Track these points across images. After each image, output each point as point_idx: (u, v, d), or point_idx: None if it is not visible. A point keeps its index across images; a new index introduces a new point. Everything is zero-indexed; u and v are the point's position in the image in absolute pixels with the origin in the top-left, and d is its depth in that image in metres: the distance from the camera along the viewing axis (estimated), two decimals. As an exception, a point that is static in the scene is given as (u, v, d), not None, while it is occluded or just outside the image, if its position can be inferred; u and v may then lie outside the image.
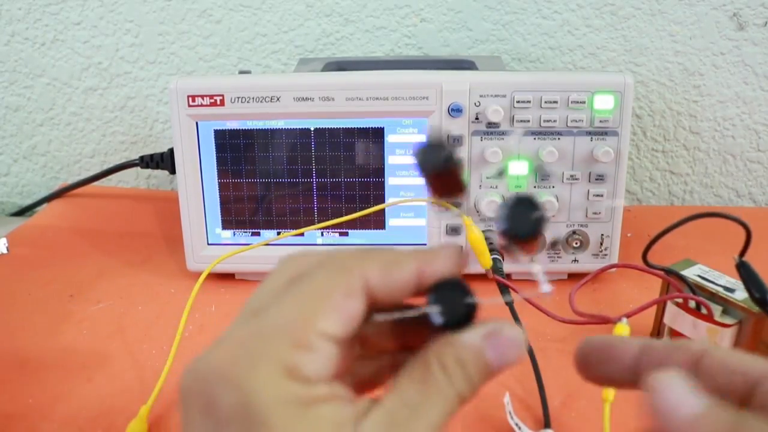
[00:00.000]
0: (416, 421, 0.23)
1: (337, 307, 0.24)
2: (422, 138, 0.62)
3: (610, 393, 0.47)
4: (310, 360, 0.23)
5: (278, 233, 0.65)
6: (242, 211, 0.65)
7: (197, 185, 0.63)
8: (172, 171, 0.65)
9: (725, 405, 0.23)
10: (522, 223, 0.27)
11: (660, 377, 0.23)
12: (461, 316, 0.26)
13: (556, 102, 0.59)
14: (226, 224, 0.65)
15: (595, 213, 0.62)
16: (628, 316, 0.50)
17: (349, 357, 0.27)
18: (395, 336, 0.29)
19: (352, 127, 0.62)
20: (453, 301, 0.26)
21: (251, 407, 0.22)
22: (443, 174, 0.28)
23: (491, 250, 0.60)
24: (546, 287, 0.27)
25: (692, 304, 0.51)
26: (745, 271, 0.48)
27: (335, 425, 0.23)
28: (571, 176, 0.61)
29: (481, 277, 0.64)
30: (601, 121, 0.60)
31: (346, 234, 0.65)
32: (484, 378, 0.25)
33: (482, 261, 0.59)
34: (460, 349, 0.25)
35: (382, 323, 0.27)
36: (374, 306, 0.26)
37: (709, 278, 0.52)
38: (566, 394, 0.50)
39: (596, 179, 0.61)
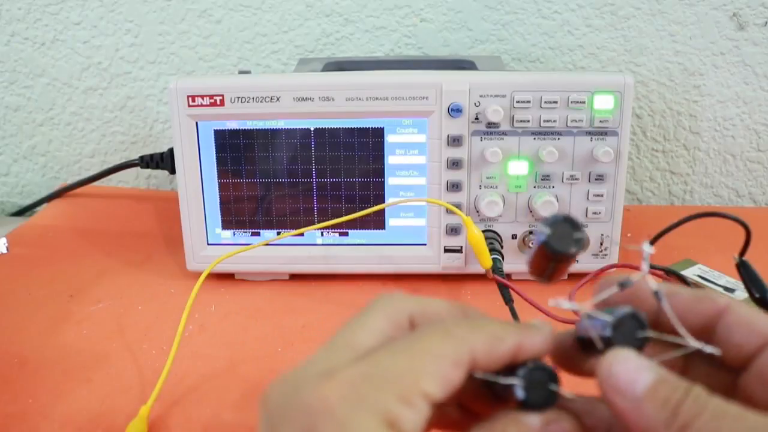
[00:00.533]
0: None
1: (444, 373, 0.25)
2: (422, 137, 0.62)
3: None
4: (409, 416, 0.24)
5: (278, 233, 0.65)
6: (242, 211, 0.65)
7: (197, 185, 0.63)
8: (172, 171, 0.65)
9: (675, 376, 0.24)
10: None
11: (608, 358, 0.25)
12: (542, 399, 0.26)
13: (556, 102, 0.59)
14: (226, 224, 0.65)
15: (595, 213, 0.62)
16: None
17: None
18: (471, 397, 0.30)
19: (352, 127, 0.62)
20: (540, 384, 0.26)
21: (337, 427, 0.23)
22: (564, 258, 0.27)
23: (491, 250, 0.60)
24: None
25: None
26: (745, 271, 0.48)
27: None
28: (571, 176, 0.61)
29: (481, 277, 0.65)
30: (601, 121, 0.60)
31: (346, 234, 0.65)
32: None
33: (482, 261, 0.60)
34: (523, 427, 0.26)
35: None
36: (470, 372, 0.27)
37: (709, 278, 0.52)
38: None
39: (596, 179, 0.61)
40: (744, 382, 0.26)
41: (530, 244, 0.26)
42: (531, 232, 0.63)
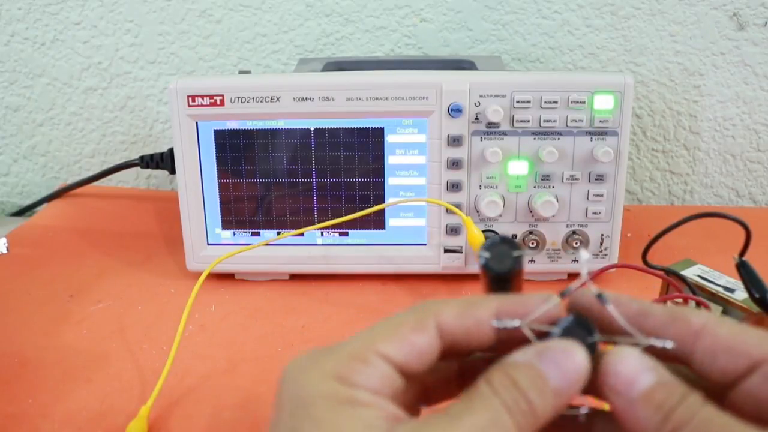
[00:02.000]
0: (452, 428, 0.23)
1: (403, 337, 0.26)
2: (422, 137, 0.62)
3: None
4: (361, 371, 0.25)
5: (278, 233, 0.65)
6: (242, 211, 0.65)
7: (197, 185, 0.63)
8: (172, 171, 0.65)
9: (675, 379, 0.24)
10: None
11: (611, 356, 0.25)
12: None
13: (556, 102, 0.59)
14: (226, 224, 0.65)
15: (595, 213, 0.62)
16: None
17: (418, 392, 0.28)
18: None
19: (352, 127, 0.62)
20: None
21: (299, 398, 0.25)
22: (509, 276, 0.28)
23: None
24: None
25: (692, 304, 0.50)
26: (745, 271, 0.48)
27: (367, 426, 0.24)
28: (571, 176, 0.61)
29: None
30: (601, 121, 0.60)
31: (346, 234, 0.65)
32: (549, 397, 0.24)
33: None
34: (509, 367, 0.25)
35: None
36: (457, 349, 0.27)
37: (709, 278, 0.52)
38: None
39: (596, 179, 0.61)
40: (732, 397, 0.26)
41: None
42: (531, 232, 0.63)
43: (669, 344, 0.26)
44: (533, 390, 0.24)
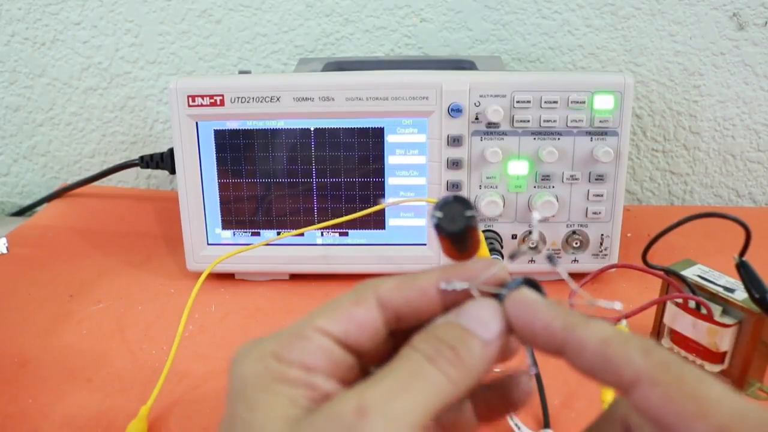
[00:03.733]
0: (372, 388, 0.23)
1: (342, 311, 0.26)
2: (422, 137, 0.62)
3: (608, 394, 0.47)
4: (297, 346, 0.25)
5: (278, 233, 0.65)
6: (242, 211, 0.65)
7: (197, 185, 0.63)
8: (172, 171, 0.65)
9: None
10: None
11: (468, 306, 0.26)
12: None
13: (556, 102, 0.59)
14: (226, 224, 0.65)
15: (595, 213, 0.62)
16: (627, 316, 0.50)
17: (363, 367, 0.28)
18: None
19: (352, 127, 0.62)
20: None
21: (237, 379, 0.25)
22: (462, 236, 0.28)
23: (491, 250, 0.60)
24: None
25: (692, 304, 0.51)
26: (744, 271, 0.48)
27: (290, 403, 0.24)
28: (571, 176, 0.61)
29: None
30: (601, 121, 0.60)
31: (346, 234, 0.65)
32: (474, 346, 0.25)
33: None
34: (430, 327, 0.26)
35: None
36: (405, 321, 0.27)
37: (709, 278, 0.52)
38: (566, 394, 0.50)
39: (596, 179, 0.61)
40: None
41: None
42: (531, 232, 0.63)
43: (619, 306, 0.26)
44: (455, 339, 0.25)
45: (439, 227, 0.27)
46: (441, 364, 0.24)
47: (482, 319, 0.25)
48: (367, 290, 0.27)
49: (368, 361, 0.27)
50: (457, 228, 0.27)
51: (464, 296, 0.27)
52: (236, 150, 0.63)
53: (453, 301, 0.27)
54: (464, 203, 0.27)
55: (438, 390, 0.24)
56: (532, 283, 0.27)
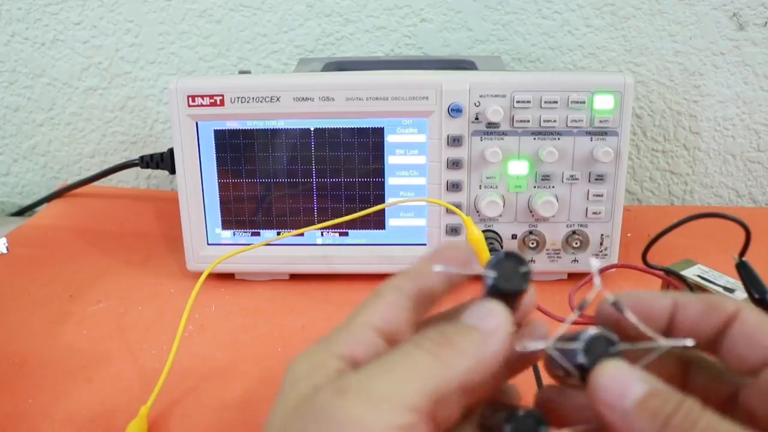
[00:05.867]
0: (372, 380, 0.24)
1: (370, 304, 0.28)
2: (422, 137, 0.62)
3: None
4: (344, 338, 0.27)
5: (278, 233, 0.65)
6: (242, 211, 0.65)
7: (197, 185, 0.63)
8: (172, 171, 0.65)
9: (668, 387, 0.24)
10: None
11: (597, 371, 0.25)
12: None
13: (556, 102, 0.59)
14: (226, 224, 0.65)
15: (595, 213, 0.62)
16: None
17: None
18: None
19: (352, 127, 0.62)
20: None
21: (288, 376, 0.26)
22: (519, 294, 0.27)
23: (491, 250, 0.60)
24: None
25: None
26: (744, 271, 0.48)
27: (318, 365, 0.26)
28: (571, 176, 0.61)
29: (482, 277, 0.65)
30: (601, 121, 0.60)
31: (346, 234, 0.65)
32: (476, 339, 0.25)
33: (482, 261, 0.60)
34: (439, 326, 0.26)
35: None
36: (423, 303, 0.29)
37: (709, 278, 0.52)
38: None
39: (596, 179, 0.61)
40: (745, 395, 0.25)
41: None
42: (531, 232, 0.63)
43: (690, 342, 0.25)
44: (456, 334, 0.25)
45: (496, 288, 0.27)
46: (429, 347, 0.25)
47: (479, 314, 0.26)
48: (381, 286, 0.29)
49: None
50: (516, 287, 0.26)
51: (459, 276, 0.29)
52: (236, 150, 0.63)
53: (451, 279, 0.29)
54: (518, 259, 0.27)
55: (427, 371, 0.24)
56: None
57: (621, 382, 0.24)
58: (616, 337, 0.26)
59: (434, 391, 0.24)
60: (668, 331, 0.27)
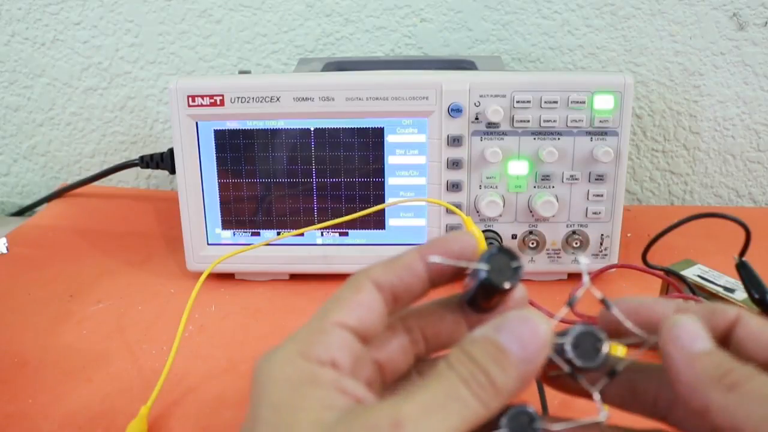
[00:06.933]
0: (405, 403, 0.23)
1: (348, 301, 0.27)
2: (422, 137, 0.62)
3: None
4: (320, 342, 0.26)
5: (278, 233, 0.65)
6: (242, 211, 0.65)
7: (197, 185, 0.63)
8: (172, 171, 0.65)
9: (728, 353, 0.25)
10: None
11: (680, 318, 0.26)
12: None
13: (556, 102, 0.59)
14: (226, 224, 0.65)
15: (595, 213, 0.62)
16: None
17: (381, 375, 0.29)
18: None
19: (352, 127, 0.62)
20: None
21: (261, 384, 0.26)
22: (505, 291, 0.27)
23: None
24: (603, 414, 0.27)
25: (692, 304, 0.50)
26: (744, 271, 0.48)
27: (325, 406, 0.24)
28: (571, 176, 0.61)
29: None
30: (601, 121, 0.60)
31: (346, 234, 0.65)
32: (510, 369, 0.24)
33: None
34: (466, 343, 0.25)
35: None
36: (400, 302, 0.28)
37: (709, 278, 0.52)
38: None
39: (596, 179, 0.61)
40: None
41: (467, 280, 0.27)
42: (531, 232, 0.63)
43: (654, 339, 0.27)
44: (490, 363, 0.24)
45: (488, 281, 0.26)
46: (474, 388, 0.24)
47: (521, 337, 0.25)
48: (361, 277, 0.28)
49: (379, 355, 0.28)
50: (509, 281, 0.26)
51: (450, 271, 0.28)
52: (236, 150, 0.63)
53: (438, 274, 0.28)
54: (510, 254, 0.27)
55: (470, 412, 0.24)
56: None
57: (697, 330, 0.25)
58: (604, 333, 0.26)
59: (471, 427, 0.24)
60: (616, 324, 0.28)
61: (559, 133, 0.60)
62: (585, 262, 0.28)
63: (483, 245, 0.59)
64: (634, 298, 0.28)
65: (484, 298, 0.28)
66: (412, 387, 0.24)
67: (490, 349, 0.25)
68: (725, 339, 0.27)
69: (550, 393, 0.49)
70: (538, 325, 0.25)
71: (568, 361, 0.26)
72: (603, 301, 0.28)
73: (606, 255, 0.63)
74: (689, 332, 0.25)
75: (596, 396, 0.28)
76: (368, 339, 0.27)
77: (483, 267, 0.26)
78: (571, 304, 0.28)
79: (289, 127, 0.62)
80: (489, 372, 0.24)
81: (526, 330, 0.25)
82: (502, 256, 0.27)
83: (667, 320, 0.26)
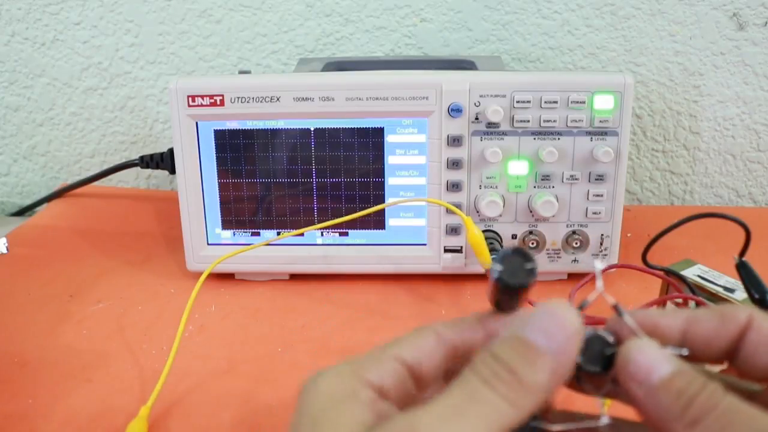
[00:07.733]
0: (426, 411, 0.23)
1: (408, 341, 0.28)
2: (422, 137, 0.62)
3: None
4: (376, 367, 0.26)
5: (278, 233, 0.65)
6: (242, 211, 0.65)
7: (197, 185, 0.63)
8: (172, 171, 0.65)
9: (694, 368, 0.24)
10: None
11: (631, 350, 0.24)
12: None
13: (556, 102, 0.59)
14: (226, 224, 0.65)
15: (595, 213, 0.62)
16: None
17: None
18: None
19: (352, 127, 0.62)
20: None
21: (308, 395, 0.25)
22: (523, 290, 0.27)
23: (491, 250, 0.60)
24: (604, 419, 0.27)
25: (692, 304, 0.51)
26: (744, 271, 0.48)
27: (354, 422, 0.24)
28: (571, 176, 0.61)
29: (481, 277, 0.65)
30: (601, 121, 0.60)
31: (346, 234, 0.65)
32: (538, 364, 0.24)
33: (482, 261, 0.60)
34: (492, 344, 0.25)
35: None
36: (459, 355, 0.29)
37: (709, 278, 0.52)
38: (566, 393, 0.50)
39: (596, 179, 0.61)
40: (759, 403, 0.25)
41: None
42: (531, 232, 0.63)
43: (684, 352, 0.26)
44: (516, 359, 0.23)
45: (501, 281, 0.27)
46: (498, 386, 0.23)
47: (546, 329, 0.24)
48: (426, 328, 0.28)
49: (424, 385, 0.28)
50: (520, 282, 0.27)
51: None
52: (236, 150, 0.63)
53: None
54: (524, 256, 0.27)
55: (496, 414, 0.23)
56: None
57: (651, 358, 0.24)
58: (612, 338, 0.26)
59: (503, 429, 0.23)
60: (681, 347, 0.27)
61: (559, 133, 0.60)
62: (600, 267, 0.28)
63: (484, 247, 0.59)
64: (642, 312, 0.28)
65: (503, 298, 0.28)
66: (435, 396, 0.24)
67: (515, 345, 0.24)
68: (737, 344, 0.26)
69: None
70: (564, 314, 0.24)
71: (576, 366, 0.26)
72: (615, 308, 0.27)
73: (606, 255, 0.63)
74: (643, 365, 0.24)
75: (599, 402, 0.27)
76: (421, 381, 0.27)
77: (497, 267, 0.27)
78: (582, 307, 0.28)
79: (289, 127, 0.62)
80: (515, 369, 0.23)
81: (552, 321, 0.24)
82: (516, 257, 0.27)
83: (621, 354, 0.25)
